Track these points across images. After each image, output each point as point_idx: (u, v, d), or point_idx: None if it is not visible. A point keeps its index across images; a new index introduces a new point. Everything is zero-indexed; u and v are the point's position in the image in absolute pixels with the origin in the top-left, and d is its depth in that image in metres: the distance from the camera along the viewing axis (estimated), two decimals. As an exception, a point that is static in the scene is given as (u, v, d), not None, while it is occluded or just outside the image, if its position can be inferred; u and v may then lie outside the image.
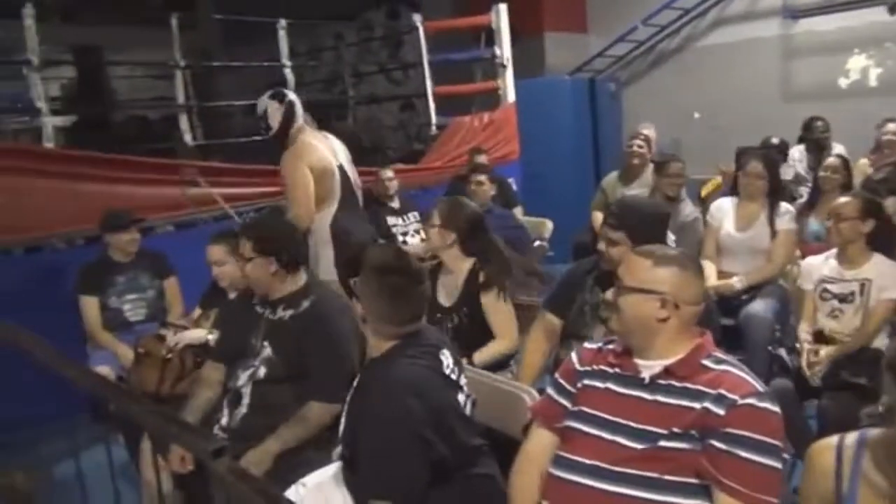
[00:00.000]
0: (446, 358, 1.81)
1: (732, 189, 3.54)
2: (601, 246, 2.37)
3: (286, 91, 3.41)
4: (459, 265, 2.74)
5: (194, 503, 2.15)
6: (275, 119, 3.32)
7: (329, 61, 8.85)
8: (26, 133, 8.84)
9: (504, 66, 6.31)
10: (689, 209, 3.85)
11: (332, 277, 3.26)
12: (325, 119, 8.60)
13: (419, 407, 1.63)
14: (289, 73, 5.19)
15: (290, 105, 3.35)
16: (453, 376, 1.80)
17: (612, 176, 4.60)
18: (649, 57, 7.53)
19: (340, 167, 3.42)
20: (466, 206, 2.82)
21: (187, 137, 4.68)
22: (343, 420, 1.83)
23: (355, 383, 1.83)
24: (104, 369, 3.15)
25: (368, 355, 1.86)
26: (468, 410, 1.81)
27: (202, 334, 2.62)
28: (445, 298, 2.75)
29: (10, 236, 3.56)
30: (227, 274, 2.78)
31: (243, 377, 2.22)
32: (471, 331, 2.66)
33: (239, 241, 2.32)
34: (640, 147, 4.47)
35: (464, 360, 2.54)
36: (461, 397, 1.80)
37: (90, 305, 3.43)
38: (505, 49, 6.24)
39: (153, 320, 3.58)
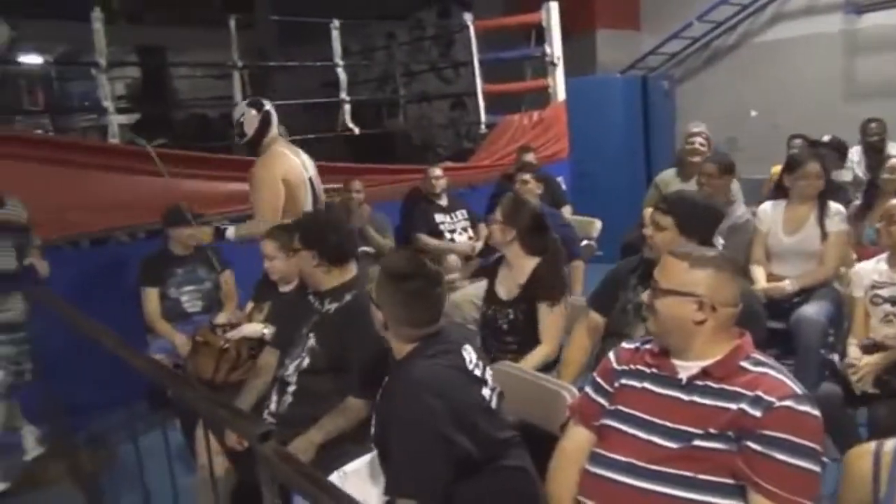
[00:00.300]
0: (469, 354, 1.84)
1: (777, 191, 3.43)
2: (647, 231, 2.36)
3: (264, 101, 3.48)
4: (522, 263, 2.79)
5: (245, 486, 2.24)
6: (251, 126, 3.37)
7: (381, 60, 8.99)
8: (93, 130, 9.30)
9: (554, 64, 6.29)
10: (741, 210, 3.77)
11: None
12: (377, 117, 8.80)
13: (441, 406, 1.66)
14: (341, 73, 5.30)
15: (267, 115, 3.40)
16: (477, 371, 1.83)
17: (669, 173, 4.53)
18: (704, 54, 7.39)
19: (310, 180, 3.48)
20: (528, 205, 2.88)
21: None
22: (373, 420, 1.87)
23: (382, 386, 1.87)
24: (162, 357, 3.31)
25: (392, 359, 1.88)
26: (494, 404, 1.84)
27: (259, 328, 2.73)
28: (504, 292, 2.80)
29: (79, 230, 3.75)
30: (276, 269, 2.88)
31: (291, 366, 2.31)
32: (525, 328, 2.71)
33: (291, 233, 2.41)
34: (701, 146, 4.40)
35: (513, 357, 2.61)
36: (486, 391, 1.83)
37: (151, 296, 3.60)
38: (555, 47, 6.22)
39: (209, 311, 3.73)
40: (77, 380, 3.52)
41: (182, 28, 9.98)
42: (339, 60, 5.27)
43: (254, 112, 3.37)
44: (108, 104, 4.20)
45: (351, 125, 5.34)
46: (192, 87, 11.10)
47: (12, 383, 3.08)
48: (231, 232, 3.40)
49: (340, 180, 4.68)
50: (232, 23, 4.75)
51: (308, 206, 3.41)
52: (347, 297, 2.27)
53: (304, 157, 3.52)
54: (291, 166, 3.35)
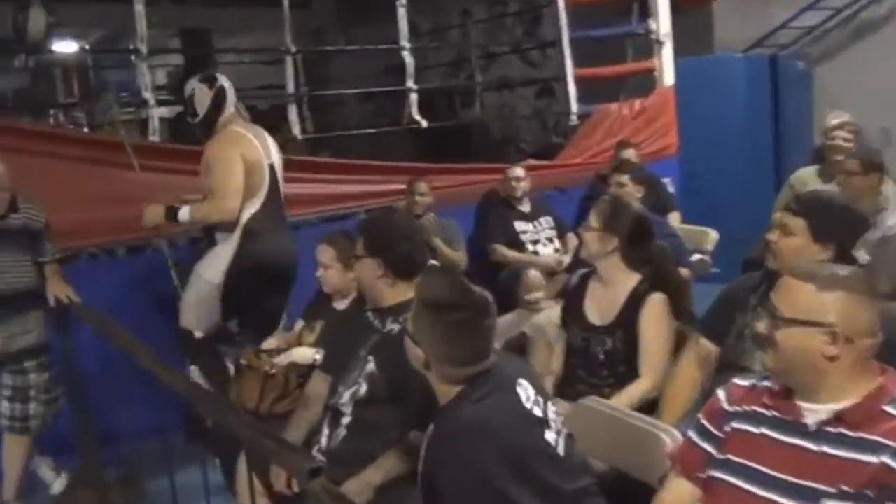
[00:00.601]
0: (525, 390, 1.84)
1: None
2: (772, 236, 2.31)
3: (218, 75, 3.58)
4: (621, 278, 2.80)
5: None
6: (202, 104, 3.49)
7: (455, 41, 9.08)
8: (134, 124, 9.80)
9: (661, 43, 6.23)
10: (893, 219, 3.63)
11: (214, 279, 3.40)
12: (449, 107, 8.91)
13: (494, 456, 1.67)
14: (408, 56, 5.41)
15: (221, 90, 3.50)
16: (536, 411, 1.82)
17: (808, 171, 4.40)
18: (849, 27, 7.15)
19: (272, 166, 3.54)
20: (630, 208, 2.89)
21: (295, 130, 5.01)
22: (420, 466, 1.89)
23: (427, 436, 1.89)
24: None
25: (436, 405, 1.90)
26: (561, 449, 1.83)
27: (309, 353, 2.82)
28: (597, 316, 2.81)
29: (114, 236, 3.98)
30: (329, 279, 2.99)
31: (345, 395, 2.38)
32: (627, 358, 2.71)
33: (353, 238, 2.49)
34: (846, 140, 4.26)
35: (609, 394, 2.60)
36: (550, 435, 1.82)
37: None
38: (663, 22, 6.16)
39: (255, 331, 3.88)
40: (107, 404, 3.75)
41: (229, 8, 10.38)
42: (405, 43, 5.38)
43: (205, 88, 3.49)
44: (148, 95, 4.43)
45: (418, 117, 5.44)
46: (239, 74, 11.54)
47: (43, 414, 3.24)
48: (185, 212, 3.47)
49: (404, 181, 4.79)
50: (285, 2, 4.94)
51: (264, 195, 3.47)
52: None
53: (269, 140, 3.60)
54: (249, 147, 3.43)
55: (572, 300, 2.95)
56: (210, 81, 3.50)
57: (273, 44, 5.61)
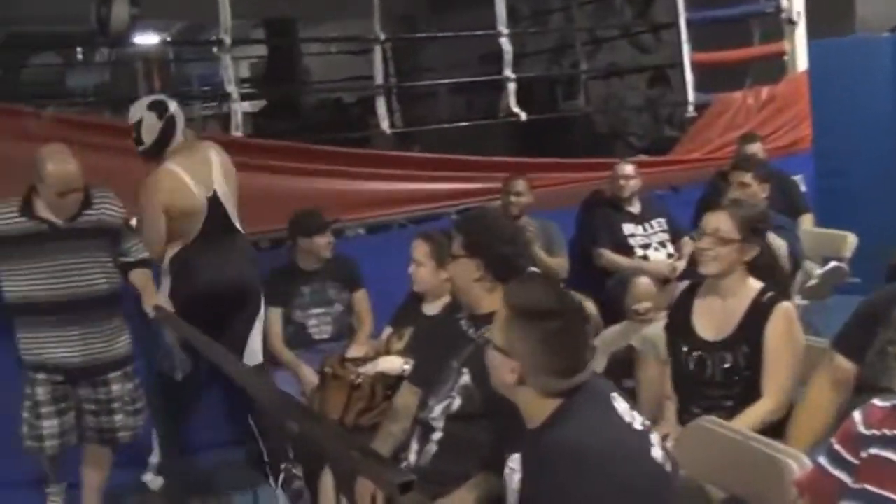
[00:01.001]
0: (619, 403, 1.84)
1: None
2: None
3: (168, 102, 3.59)
4: (741, 287, 2.77)
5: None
6: (149, 134, 3.49)
7: (557, 26, 9.06)
8: (215, 119, 10.21)
9: (793, 23, 6.07)
10: None
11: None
12: (550, 98, 8.90)
13: (613, 485, 1.68)
14: (506, 43, 5.44)
15: (171, 121, 3.51)
16: (636, 424, 1.82)
17: None
18: None
19: (212, 197, 3.52)
20: (754, 208, 2.85)
21: (384, 124, 5.11)
22: (513, 494, 1.89)
23: (519, 457, 1.89)
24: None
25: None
26: (669, 467, 1.83)
27: (398, 363, 2.90)
28: (711, 331, 2.78)
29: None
30: (421, 277, 3.06)
31: (437, 408, 2.41)
32: (753, 377, 2.67)
33: (450, 236, 2.52)
34: None
35: (727, 417, 2.57)
36: (656, 453, 1.81)
37: (274, 318, 3.91)
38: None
39: (339, 339, 4.00)
40: (192, 418, 3.93)
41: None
42: (503, 28, 5.42)
43: (154, 117, 3.49)
44: (232, 89, 4.63)
45: (516, 109, 5.46)
46: (324, 66, 11.84)
47: (131, 425, 3.37)
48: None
49: (500, 179, 4.82)
50: (375, -14, 5.04)
51: (195, 233, 3.50)
52: None
53: (215, 160, 3.58)
54: (182, 194, 3.45)
55: (678, 315, 2.93)
56: (160, 110, 3.54)
57: (360, 33, 5.75)
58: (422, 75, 9.40)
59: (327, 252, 3.99)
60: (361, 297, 4.10)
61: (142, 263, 3.37)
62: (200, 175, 3.52)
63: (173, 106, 3.57)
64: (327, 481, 2.63)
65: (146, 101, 3.59)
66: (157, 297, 3.26)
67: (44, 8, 8.41)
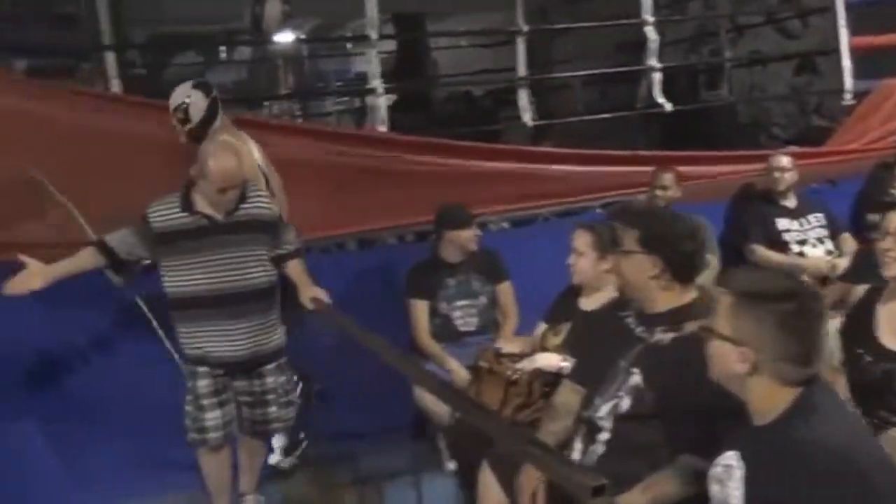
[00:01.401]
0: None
1: None
2: None
3: (210, 83, 3.68)
4: None
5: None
6: (197, 112, 3.57)
7: (697, 12, 8.76)
8: (347, 114, 10.40)
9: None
10: None
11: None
12: (690, 89, 8.62)
13: (867, 492, 1.60)
14: (651, 32, 5.30)
15: (215, 101, 3.63)
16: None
17: None
18: None
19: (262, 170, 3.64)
20: None
21: (526, 116, 5.08)
22: (726, 496, 1.81)
23: (735, 455, 1.81)
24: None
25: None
26: None
27: (556, 360, 2.84)
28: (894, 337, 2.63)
29: (345, 230, 4.25)
30: (582, 267, 3.01)
31: (603, 408, 2.35)
32: None
33: (617, 230, 2.43)
34: None
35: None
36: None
37: (420, 310, 3.93)
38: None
39: (484, 332, 3.99)
40: (338, 405, 4.00)
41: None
42: (648, 16, 5.28)
43: (201, 95, 3.60)
44: (376, 83, 4.69)
45: (661, 100, 5.32)
46: (451, 59, 11.88)
47: (284, 417, 3.44)
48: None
49: (642, 172, 4.71)
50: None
51: None
52: (688, 326, 2.25)
53: (253, 145, 3.69)
54: (244, 156, 3.47)
55: (858, 321, 2.76)
56: (206, 90, 3.68)
57: (488, 26, 5.69)
58: (555, 67, 9.26)
59: (473, 245, 3.99)
60: (506, 289, 4.07)
61: (296, 255, 3.40)
62: (247, 147, 3.62)
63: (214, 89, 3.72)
64: (487, 476, 2.61)
65: (190, 83, 3.73)
66: (314, 290, 3.30)
67: (186, 9, 8.77)
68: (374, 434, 4.05)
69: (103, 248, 3.21)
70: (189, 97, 3.60)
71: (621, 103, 7.27)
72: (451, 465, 3.47)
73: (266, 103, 10.02)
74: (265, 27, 4.45)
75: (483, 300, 4.03)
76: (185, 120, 3.59)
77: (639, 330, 2.38)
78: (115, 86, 4.50)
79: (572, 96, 9.20)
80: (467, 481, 2.92)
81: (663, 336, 2.30)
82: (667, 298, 2.32)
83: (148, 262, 3.35)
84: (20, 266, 3.16)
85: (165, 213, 3.20)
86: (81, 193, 3.78)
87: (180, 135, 3.62)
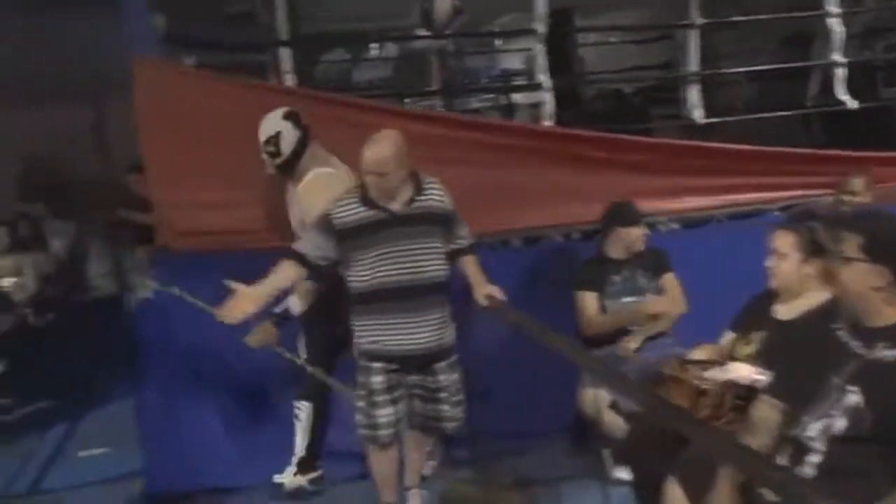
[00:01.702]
0: None
1: None
2: None
3: (299, 112, 3.60)
4: None
5: None
6: (288, 144, 3.53)
7: (873, 5, 8.24)
8: (494, 111, 10.32)
9: None
10: None
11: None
12: (867, 85, 8.07)
13: None
14: (836, 25, 4.98)
15: (306, 129, 3.58)
16: None
17: None
18: None
19: None
20: None
21: (696, 114, 4.90)
22: None
23: None
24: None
25: None
26: None
27: (748, 372, 2.68)
28: None
29: (511, 226, 4.20)
30: (783, 270, 2.85)
31: (813, 427, 2.20)
32: None
33: (836, 234, 2.27)
34: None
35: None
36: None
37: (589, 301, 3.89)
38: None
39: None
40: (497, 404, 3.97)
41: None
42: (832, 8, 4.96)
43: (291, 126, 3.53)
44: (543, 78, 4.61)
45: (845, 97, 4.99)
46: (598, 56, 11.64)
47: (456, 416, 3.41)
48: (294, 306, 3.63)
49: (822, 174, 4.46)
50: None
51: None
52: None
53: (345, 170, 3.59)
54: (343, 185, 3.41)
55: None
56: (295, 119, 3.59)
57: (636, 22, 5.45)
58: (719, 63, 8.90)
59: (640, 244, 3.96)
60: (671, 279, 3.97)
61: (470, 251, 3.37)
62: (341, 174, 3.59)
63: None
64: (675, 490, 2.49)
65: (280, 112, 3.64)
66: (489, 287, 3.25)
67: (353, 6, 8.90)
68: (534, 435, 4.01)
69: (299, 258, 3.23)
70: (279, 129, 3.59)
71: (783, 100, 6.90)
72: (621, 475, 3.39)
73: (406, 100, 10.09)
74: (435, 21, 4.44)
75: (649, 297, 3.94)
76: (276, 154, 3.59)
77: (854, 344, 2.21)
78: (289, 80, 4.59)
79: (739, 93, 8.80)
80: (646, 493, 2.82)
81: (886, 353, 2.13)
82: (891, 312, 2.15)
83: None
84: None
85: (346, 210, 3.23)
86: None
87: (269, 167, 3.63)
